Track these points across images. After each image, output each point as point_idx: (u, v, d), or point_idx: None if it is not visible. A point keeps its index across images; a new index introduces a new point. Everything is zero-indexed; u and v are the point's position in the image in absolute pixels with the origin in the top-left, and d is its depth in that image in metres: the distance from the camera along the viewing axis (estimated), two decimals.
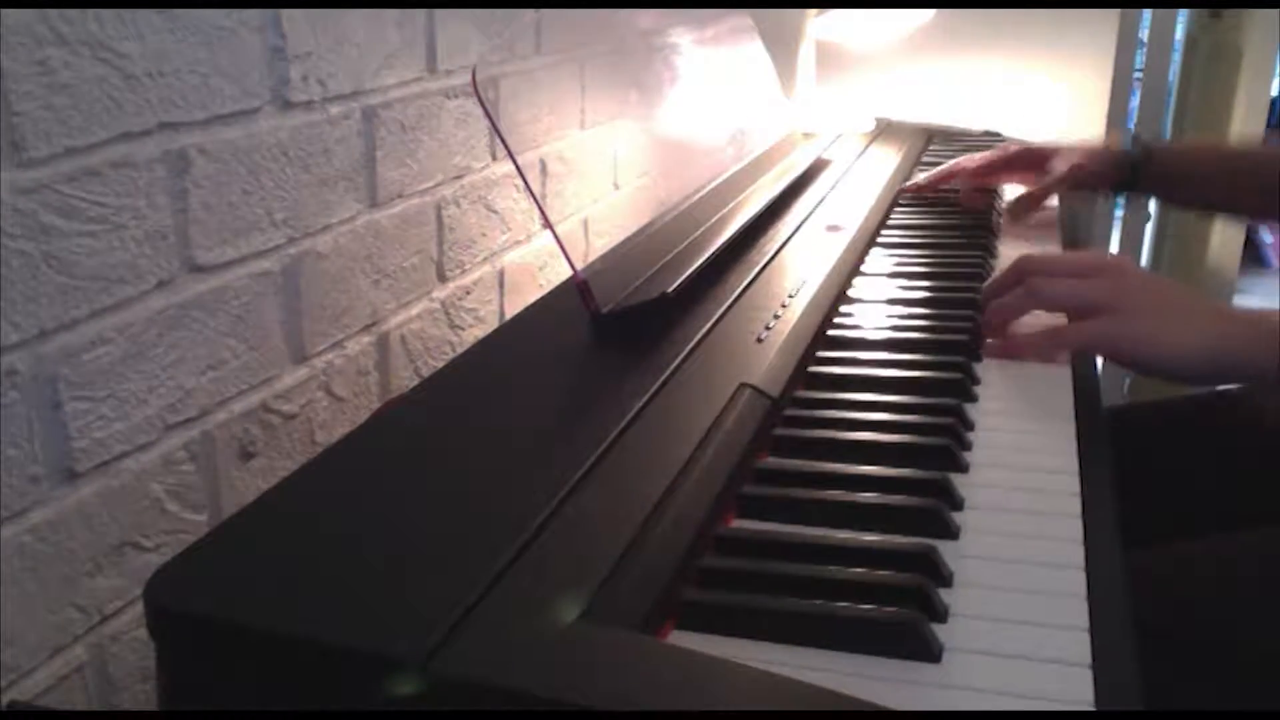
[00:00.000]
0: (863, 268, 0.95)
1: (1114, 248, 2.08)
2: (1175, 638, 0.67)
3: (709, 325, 0.75)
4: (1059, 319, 0.77)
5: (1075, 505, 0.57)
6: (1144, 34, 1.91)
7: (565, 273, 0.76)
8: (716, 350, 0.71)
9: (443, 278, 1.03)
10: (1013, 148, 1.18)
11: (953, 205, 1.18)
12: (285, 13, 0.78)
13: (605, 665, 0.41)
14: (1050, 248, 1.07)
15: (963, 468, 0.62)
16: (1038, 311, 0.77)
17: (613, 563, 0.47)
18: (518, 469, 0.55)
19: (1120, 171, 1.09)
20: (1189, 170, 1.10)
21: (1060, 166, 1.09)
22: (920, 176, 1.23)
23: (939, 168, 1.22)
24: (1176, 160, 1.10)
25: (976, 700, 0.43)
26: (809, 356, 0.74)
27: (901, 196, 1.20)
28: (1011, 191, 1.23)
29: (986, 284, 0.82)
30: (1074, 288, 0.73)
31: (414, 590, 0.45)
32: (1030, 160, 1.15)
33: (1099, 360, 0.78)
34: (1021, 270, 0.78)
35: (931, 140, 1.53)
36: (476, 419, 0.62)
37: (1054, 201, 1.21)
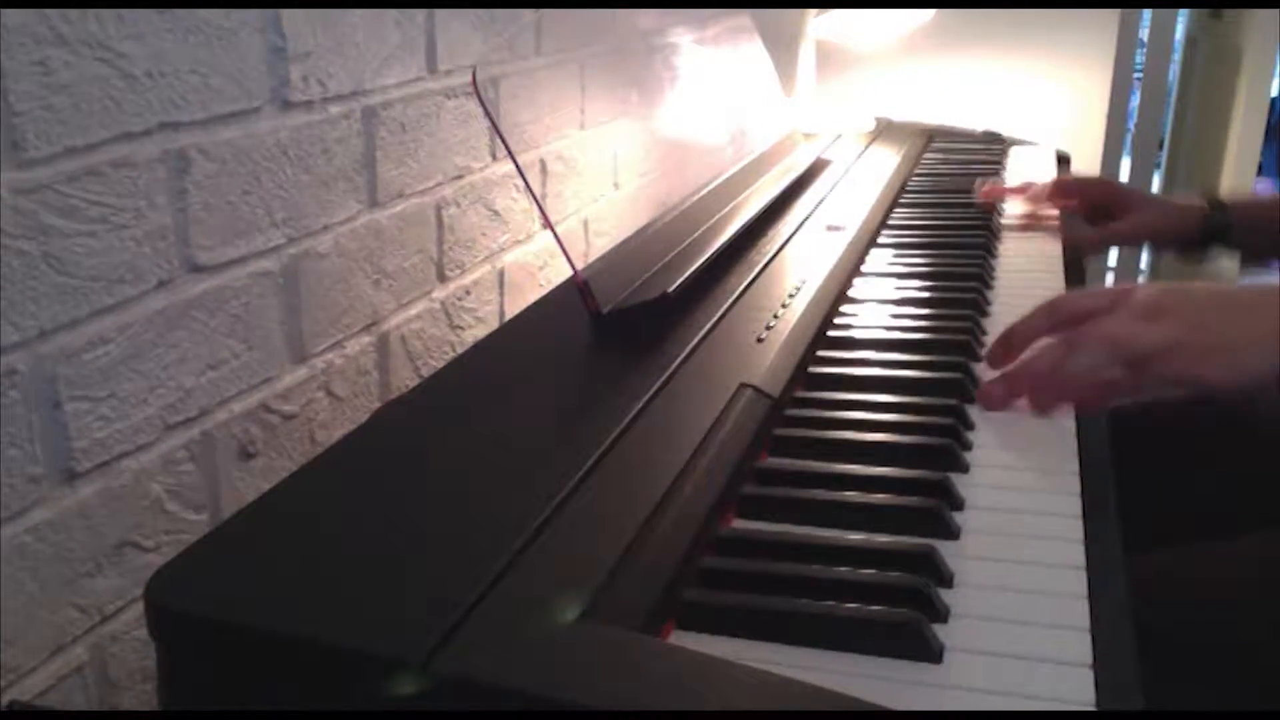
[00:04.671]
0: (863, 268, 0.95)
1: (1113, 247, 2.08)
2: (1175, 638, 0.67)
3: (709, 325, 0.75)
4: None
5: (1075, 505, 0.57)
6: (1144, 34, 1.91)
7: (565, 273, 0.76)
8: (716, 350, 0.71)
9: (443, 278, 1.03)
10: (1094, 182, 1.18)
11: (952, 205, 1.18)
12: (285, 13, 0.78)
13: (605, 665, 0.41)
14: (1052, 251, 1.07)
15: (963, 468, 0.62)
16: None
17: (613, 563, 0.47)
18: (518, 469, 0.55)
19: (1198, 233, 1.08)
20: (1270, 222, 1.08)
21: (1135, 230, 1.09)
22: (995, 187, 1.22)
23: (1014, 187, 1.22)
24: (1256, 214, 1.09)
25: (976, 700, 0.43)
26: (809, 356, 0.74)
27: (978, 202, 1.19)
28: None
29: (1017, 334, 0.72)
30: (1145, 331, 0.66)
31: (414, 590, 0.45)
32: (1111, 200, 1.14)
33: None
34: (1090, 338, 0.68)
35: (931, 140, 1.53)
36: (476, 419, 0.62)
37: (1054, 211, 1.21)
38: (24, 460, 0.63)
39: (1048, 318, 0.71)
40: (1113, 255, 2.08)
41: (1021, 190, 1.20)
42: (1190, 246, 1.11)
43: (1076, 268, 1.04)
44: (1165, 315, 0.67)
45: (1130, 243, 1.08)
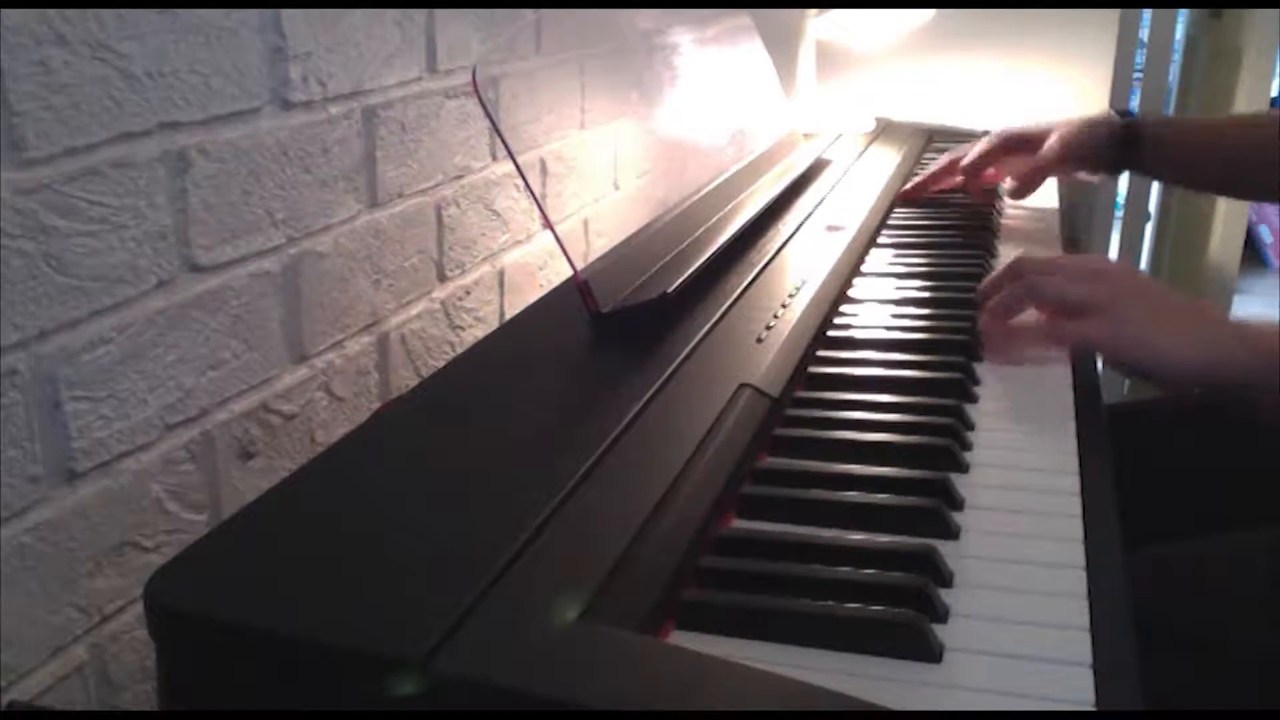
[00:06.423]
0: (863, 268, 0.95)
1: (1114, 248, 2.08)
2: (1175, 638, 0.67)
3: (709, 325, 0.75)
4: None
5: (1075, 505, 0.57)
6: (1144, 34, 1.91)
7: (565, 273, 0.76)
8: (716, 350, 0.71)
9: (443, 278, 1.03)
10: (1003, 134, 1.15)
11: (952, 205, 1.17)
12: (285, 13, 0.78)
13: (605, 665, 0.41)
14: (1051, 250, 1.07)
15: (963, 468, 0.62)
16: (1033, 312, 0.77)
17: (613, 562, 0.47)
18: (518, 469, 0.55)
19: (1114, 150, 1.07)
20: (1187, 149, 1.07)
21: (1055, 146, 1.08)
22: (915, 180, 1.22)
23: (930, 168, 1.21)
24: (1173, 138, 1.08)
25: (976, 700, 0.43)
26: (809, 356, 0.74)
27: (900, 202, 1.19)
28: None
29: (983, 282, 0.82)
30: (1071, 286, 0.74)
31: (414, 590, 0.45)
32: (1025, 143, 1.12)
33: (1099, 360, 0.78)
34: (1018, 269, 0.78)
35: (931, 140, 1.53)
36: (476, 419, 0.62)
37: (1053, 193, 1.21)
38: (24, 460, 0.63)
39: (1007, 275, 0.79)
40: (1113, 250, 2.08)
41: (950, 172, 1.19)
42: (1103, 163, 1.10)
43: None
44: (1100, 278, 0.73)
45: (1058, 165, 1.08)
